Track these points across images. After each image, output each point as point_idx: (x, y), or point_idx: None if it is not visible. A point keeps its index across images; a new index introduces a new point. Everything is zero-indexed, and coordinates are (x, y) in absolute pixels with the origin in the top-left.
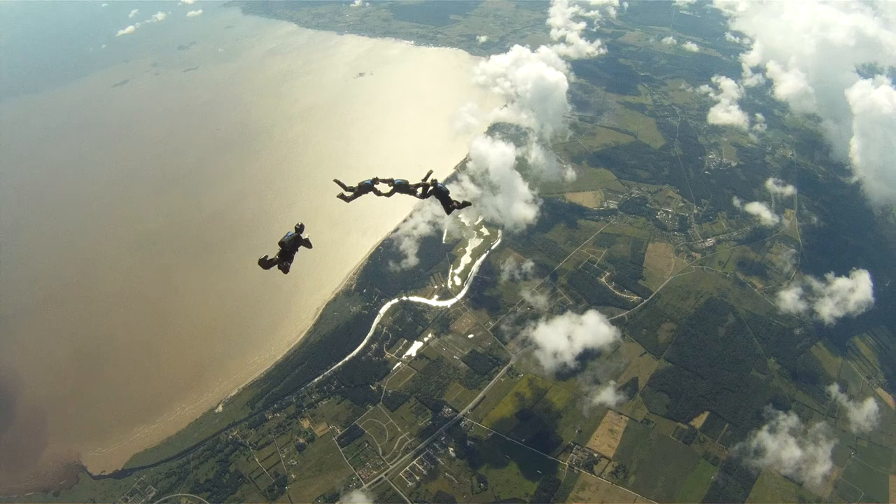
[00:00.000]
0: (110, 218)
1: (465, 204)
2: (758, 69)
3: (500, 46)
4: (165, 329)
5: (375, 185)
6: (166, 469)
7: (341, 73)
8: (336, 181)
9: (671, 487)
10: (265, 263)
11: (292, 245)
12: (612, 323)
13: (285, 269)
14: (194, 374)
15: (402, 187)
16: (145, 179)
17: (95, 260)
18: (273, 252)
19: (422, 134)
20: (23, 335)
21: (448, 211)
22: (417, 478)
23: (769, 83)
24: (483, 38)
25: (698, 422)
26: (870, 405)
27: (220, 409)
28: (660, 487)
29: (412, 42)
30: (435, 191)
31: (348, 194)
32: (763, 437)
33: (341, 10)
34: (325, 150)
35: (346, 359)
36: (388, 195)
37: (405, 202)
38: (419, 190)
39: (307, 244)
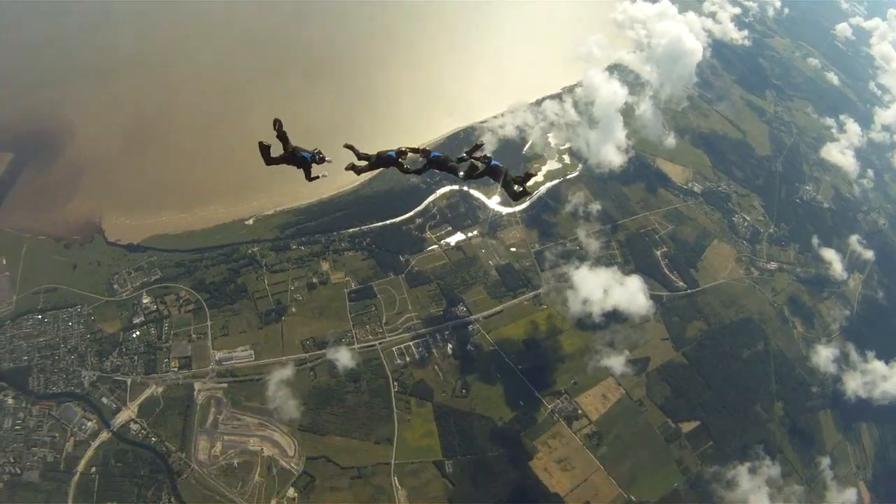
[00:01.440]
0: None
1: (525, 193)
2: (888, 129)
3: None
4: (225, 129)
5: (401, 159)
6: (177, 259)
7: None
8: (347, 146)
9: (634, 474)
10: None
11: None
12: (651, 297)
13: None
14: (239, 182)
15: (439, 163)
16: None
17: (184, 43)
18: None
19: (541, 49)
20: (90, 93)
21: (512, 196)
22: (408, 359)
23: (893, 147)
24: None
25: (687, 427)
26: (849, 495)
27: (250, 222)
28: (623, 470)
29: None
30: (488, 170)
31: (361, 164)
32: (741, 472)
33: None
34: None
35: (387, 222)
36: (417, 172)
37: (513, 95)
38: (461, 170)
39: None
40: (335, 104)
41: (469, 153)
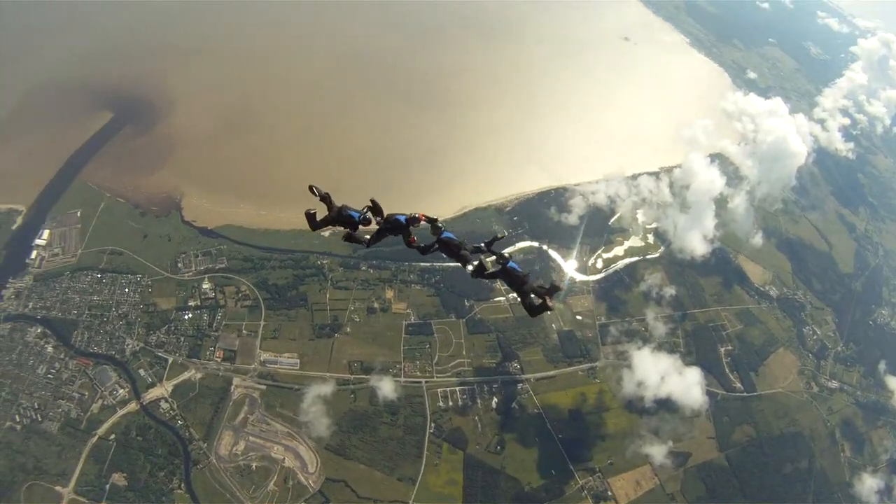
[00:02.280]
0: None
1: (545, 308)
2: None
3: (762, 90)
4: (322, 137)
5: (412, 226)
6: (247, 252)
7: (607, 27)
8: (312, 188)
9: None
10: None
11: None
12: (706, 392)
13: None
14: (329, 187)
15: (449, 246)
16: None
17: (302, 44)
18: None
19: (647, 125)
20: (199, 73)
21: (529, 309)
22: (450, 403)
23: None
24: (752, 75)
25: None
26: None
27: (326, 233)
28: None
29: (688, 41)
30: (503, 272)
31: (316, 210)
32: None
33: None
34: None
35: (459, 264)
36: (422, 250)
37: (610, 165)
38: (471, 263)
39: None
40: (433, 134)
41: (487, 245)
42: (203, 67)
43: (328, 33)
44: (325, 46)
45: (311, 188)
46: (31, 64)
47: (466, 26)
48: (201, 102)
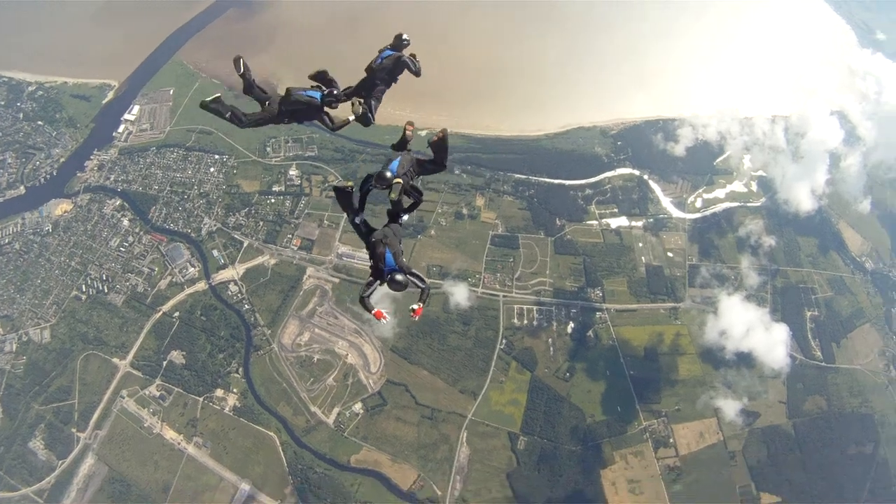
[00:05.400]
0: None
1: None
2: None
3: (889, 54)
4: (432, 42)
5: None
6: (339, 143)
7: None
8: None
9: None
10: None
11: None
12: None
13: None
14: (425, 93)
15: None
16: None
17: None
18: None
19: (768, 67)
20: None
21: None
22: (525, 322)
23: None
24: (881, 36)
25: (767, 499)
26: None
27: (423, 133)
28: None
29: None
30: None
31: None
32: None
33: None
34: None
35: (557, 181)
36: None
37: (723, 101)
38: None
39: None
40: (544, 48)
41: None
42: None
43: None
44: None
45: (236, 60)
46: None
47: None
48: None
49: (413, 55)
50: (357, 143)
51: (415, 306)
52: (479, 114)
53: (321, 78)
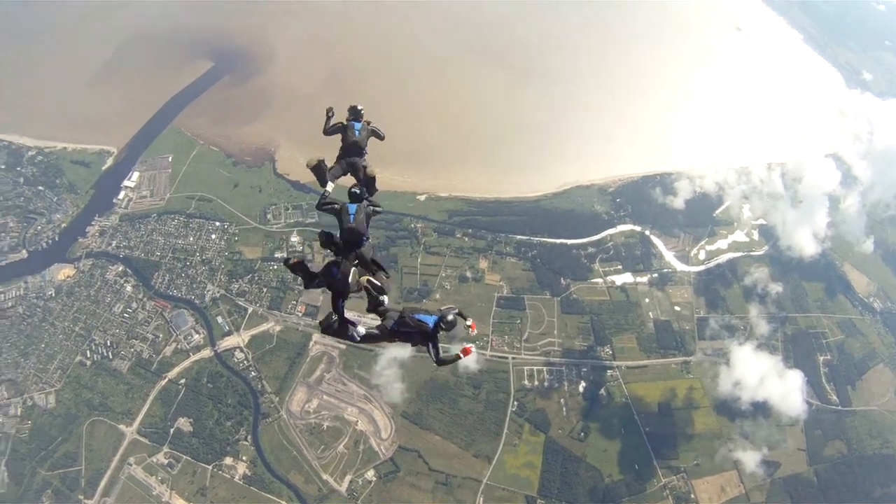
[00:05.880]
0: None
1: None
2: None
3: (877, 94)
4: (422, 101)
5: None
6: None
7: (719, 16)
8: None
9: None
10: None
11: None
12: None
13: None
14: (421, 155)
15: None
16: None
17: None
18: None
19: (757, 117)
20: (304, 30)
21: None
22: (536, 383)
23: None
24: (867, 76)
25: None
26: None
27: (422, 198)
28: None
29: (801, 37)
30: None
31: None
32: None
33: None
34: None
35: (559, 241)
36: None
37: (716, 153)
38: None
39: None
40: (534, 106)
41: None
42: (310, 27)
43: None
44: (429, 11)
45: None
46: (133, 13)
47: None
48: (304, 61)
49: (369, 122)
50: None
51: (469, 322)
52: (474, 175)
53: (319, 172)
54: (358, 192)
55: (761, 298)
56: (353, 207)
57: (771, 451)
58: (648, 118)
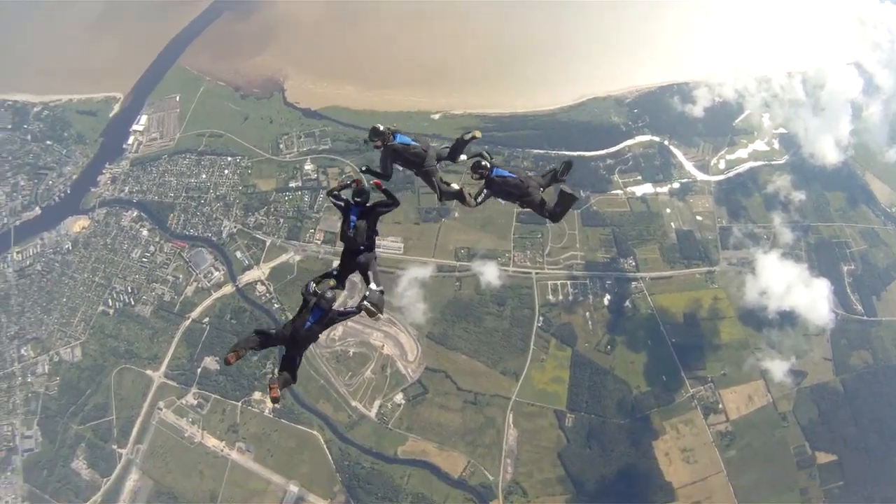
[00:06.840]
0: None
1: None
2: None
3: None
4: (433, 22)
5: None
6: (352, 134)
7: None
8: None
9: (753, 490)
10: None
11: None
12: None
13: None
14: (434, 75)
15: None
16: None
17: None
18: None
19: (775, 24)
20: None
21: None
22: (560, 297)
23: None
24: None
25: (822, 458)
26: None
27: (436, 116)
28: (745, 481)
29: None
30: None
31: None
32: None
33: None
34: None
35: (577, 153)
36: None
37: (734, 61)
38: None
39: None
40: (553, 20)
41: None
42: None
43: None
44: None
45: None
46: None
47: None
48: None
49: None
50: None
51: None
52: (489, 92)
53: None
54: (360, 199)
55: (784, 206)
56: (354, 215)
57: (798, 361)
58: (666, 28)
